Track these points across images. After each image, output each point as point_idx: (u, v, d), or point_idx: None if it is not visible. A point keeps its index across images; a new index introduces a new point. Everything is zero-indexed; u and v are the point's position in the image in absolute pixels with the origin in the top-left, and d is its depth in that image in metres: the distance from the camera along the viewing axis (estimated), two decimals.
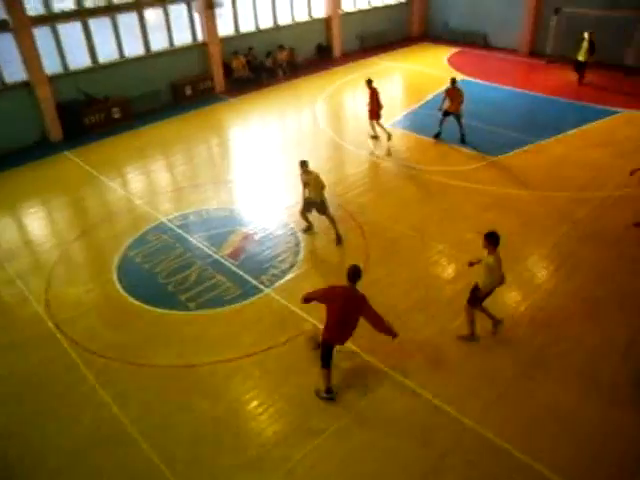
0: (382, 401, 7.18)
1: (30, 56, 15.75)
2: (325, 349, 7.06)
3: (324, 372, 7.14)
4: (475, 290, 7.82)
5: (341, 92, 19.93)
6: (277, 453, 6.59)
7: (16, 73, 16.06)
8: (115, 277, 10.05)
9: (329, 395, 7.19)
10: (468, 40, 25.10)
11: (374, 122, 15.26)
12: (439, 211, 11.58)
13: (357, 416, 6.99)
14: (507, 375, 7.49)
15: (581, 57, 18.94)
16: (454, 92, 14.51)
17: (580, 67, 19.18)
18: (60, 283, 10.03)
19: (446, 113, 14.80)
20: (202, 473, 6.44)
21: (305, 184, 10.59)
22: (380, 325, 6.96)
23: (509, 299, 8.98)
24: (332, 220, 10.71)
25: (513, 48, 23.68)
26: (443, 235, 10.73)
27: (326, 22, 23.78)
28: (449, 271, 9.82)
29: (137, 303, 9.35)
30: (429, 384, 7.36)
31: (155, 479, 6.37)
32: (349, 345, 7.77)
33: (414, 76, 21.62)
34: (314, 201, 10.62)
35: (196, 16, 19.52)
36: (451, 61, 23.02)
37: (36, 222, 12.54)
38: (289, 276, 9.76)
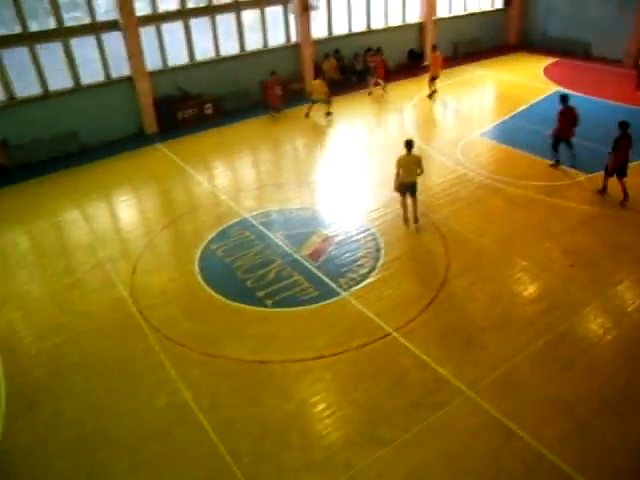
0: (453, 417, 6.97)
1: (135, 53, 16.62)
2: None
3: None
4: None
5: (430, 99, 19.61)
6: (341, 458, 6.54)
7: (118, 69, 16.99)
8: (197, 269, 10.37)
9: None
10: (567, 49, 23.98)
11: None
12: (525, 226, 11.12)
13: (426, 430, 6.82)
14: (590, 406, 7.06)
15: None
16: (569, 112, 13.00)
17: None
18: (145, 271, 10.48)
19: (558, 139, 13.31)
20: (267, 469, 6.49)
21: (402, 166, 10.74)
22: None
23: (597, 325, 8.48)
24: (415, 203, 11.23)
25: (617, 59, 22.39)
26: (528, 251, 10.29)
27: (420, 27, 23.52)
28: (532, 290, 9.41)
29: (216, 296, 9.60)
30: (503, 405, 7.06)
31: (220, 469, 6.50)
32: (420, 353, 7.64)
33: (507, 86, 20.91)
34: (407, 182, 10.86)
35: (291, 17, 19.86)
36: (547, 72, 22.08)
37: (127, 210, 13.21)
38: (367, 281, 9.69)
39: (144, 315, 9.20)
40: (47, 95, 15.98)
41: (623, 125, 11.47)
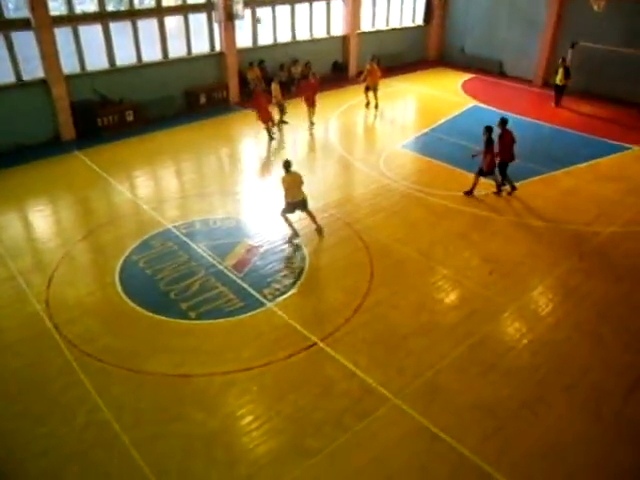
0: (380, 425, 7.06)
1: (49, 54, 15.84)
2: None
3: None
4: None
5: (353, 110, 19.98)
6: (269, 471, 6.47)
7: (33, 70, 16.18)
8: (117, 281, 9.99)
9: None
10: (483, 66, 25.23)
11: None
12: (446, 236, 11.52)
13: (353, 438, 6.88)
14: (509, 406, 7.37)
15: (558, 81, 20.03)
16: (508, 135, 12.83)
17: (559, 91, 20.33)
18: (62, 283, 9.97)
19: (505, 163, 13.02)
20: None
21: (288, 186, 10.87)
22: None
23: (514, 330, 8.89)
24: (311, 214, 11.30)
25: (528, 78, 23.75)
26: (449, 260, 10.66)
27: (343, 40, 23.95)
28: (453, 297, 9.74)
29: (137, 308, 9.28)
30: (428, 411, 7.24)
31: None
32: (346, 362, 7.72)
33: (428, 99, 21.70)
34: (297, 201, 11.02)
35: (215, 26, 19.68)
36: (465, 87, 23.12)
37: (42, 220, 12.53)
38: (292, 292, 9.69)
39: (60, 330, 8.74)
40: None
41: (502, 123, 12.88)
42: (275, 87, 17.61)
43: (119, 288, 9.80)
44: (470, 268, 10.40)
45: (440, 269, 10.39)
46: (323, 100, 20.78)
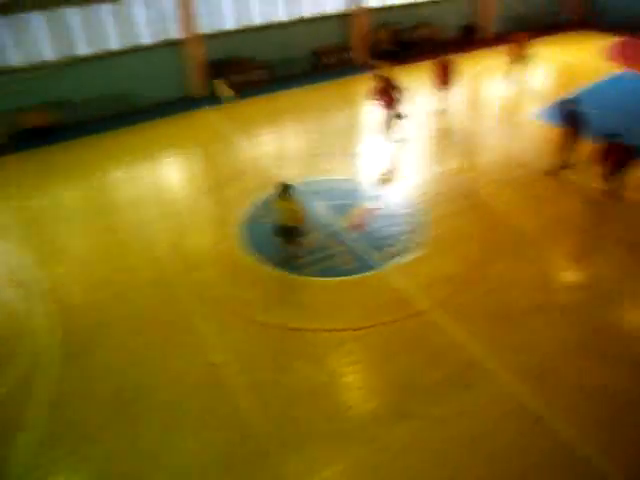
0: (485, 400, 6.90)
1: (187, 15, 16.61)
2: None
3: None
4: None
5: (482, 76, 19.02)
6: (367, 430, 6.57)
7: (168, 31, 17.08)
8: (239, 233, 10.49)
9: None
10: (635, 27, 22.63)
11: None
12: (571, 215, 10.77)
13: (457, 408, 6.79)
14: (627, 398, 6.88)
15: None
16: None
17: None
18: (188, 232, 10.68)
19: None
20: (291, 432, 6.59)
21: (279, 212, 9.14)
22: None
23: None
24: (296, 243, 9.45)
25: None
26: (570, 239, 9.97)
27: (475, 0, 22.74)
28: (575, 277, 9.15)
29: (256, 261, 9.71)
30: (536, 391, 6.94)
31: (247, 429, 6.63)
32: None
33: (565, 66, 20.11)
34: (288, 226, 9.19)
35: None
36: (612, 52, 21.07)
37: (173, 172, 13.51)
38: (407, 257, 9.63)
39: (185, 276, 9.40)
40: (99, 55, 16.27)
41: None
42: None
43: (241, 240, 10.29)
44: (603, 250, 9.71)
45: (562, 248, 9.80)
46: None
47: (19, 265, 10.06)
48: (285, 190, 8.97)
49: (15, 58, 15.27)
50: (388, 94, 13.78)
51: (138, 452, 6.46)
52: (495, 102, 17.77)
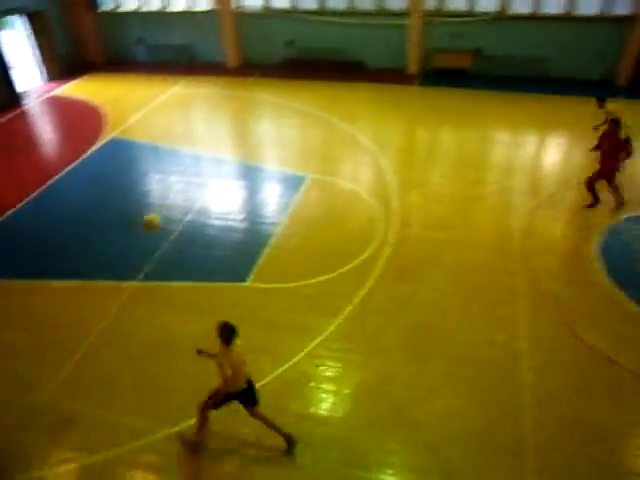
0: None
1: None
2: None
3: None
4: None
5: None
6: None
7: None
8: (595, 238, 9.53)
9: None
10: None
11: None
12: None
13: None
14: None
15: None
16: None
17: None
18: (544, 215, 10.18)
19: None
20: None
21: (236, 364, 5.64)
22: None
23: None
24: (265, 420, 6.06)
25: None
26: None
27: None
28: None
29: (603, 273, 8.71)
30: None
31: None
32: None
33: None
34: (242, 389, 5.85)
35: None
36: None
37: (557, 154, 12.91)
38: None
39: (523, 255, 9.13)
40: (528, 16, 16.04)
41: None
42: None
43: (594, 245, 9.36)
44: None
45: None
46: None
47: (386, 184, 11.23)
48: (231, 333, 5.63)
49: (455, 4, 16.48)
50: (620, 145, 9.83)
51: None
52: None
